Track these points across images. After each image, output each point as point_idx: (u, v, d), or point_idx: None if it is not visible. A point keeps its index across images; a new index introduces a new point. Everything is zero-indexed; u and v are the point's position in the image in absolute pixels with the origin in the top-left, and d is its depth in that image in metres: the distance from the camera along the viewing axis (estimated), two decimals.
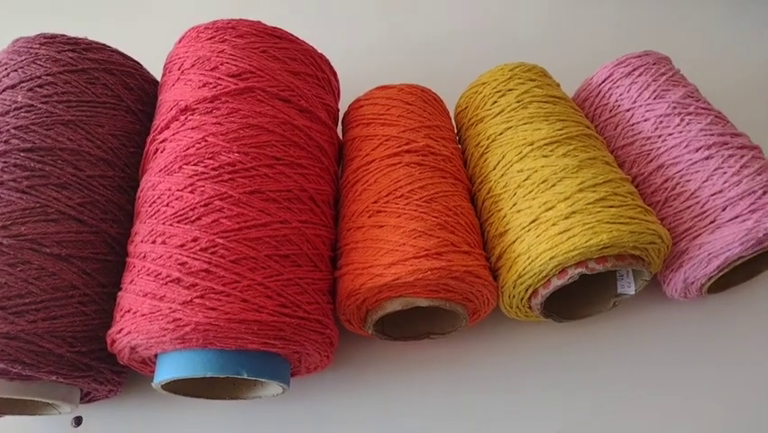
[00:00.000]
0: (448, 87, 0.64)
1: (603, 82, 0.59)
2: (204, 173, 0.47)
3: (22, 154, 0.49)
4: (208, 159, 0.47)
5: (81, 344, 0.46)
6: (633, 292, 0.51)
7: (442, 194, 0.50)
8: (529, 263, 0.47)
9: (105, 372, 0.48)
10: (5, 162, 0.49)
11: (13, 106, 0.52)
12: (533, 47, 0.79)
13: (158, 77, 0.59)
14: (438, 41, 0.82)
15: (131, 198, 0.53)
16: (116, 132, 0.54)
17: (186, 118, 0.50)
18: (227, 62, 0.52)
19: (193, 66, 0.53)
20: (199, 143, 0.48)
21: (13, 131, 0.50)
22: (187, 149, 0.48)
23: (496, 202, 0.52)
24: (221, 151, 0.48)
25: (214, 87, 0.51)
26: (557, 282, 0.47)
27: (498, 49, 0.79)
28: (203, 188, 0.46)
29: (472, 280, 0.47)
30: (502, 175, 0.52)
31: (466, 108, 0.60)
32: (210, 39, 0.54)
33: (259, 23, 0.55)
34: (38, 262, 0.46)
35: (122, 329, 0.43)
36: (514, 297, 0.50)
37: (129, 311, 0.44)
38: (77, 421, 0.54)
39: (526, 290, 0.49)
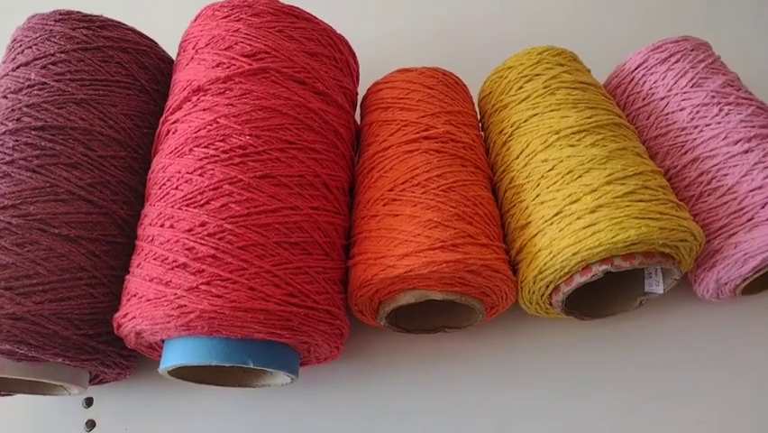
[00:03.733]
0: (472, 71, 0.61)
1: (637, 68, 0.56)
2: (214, 156, 0.45)
3: (33, 133, 0.48)
4: (219, 141, 0.46)
5: (88, 326, 0.45)
6: (661, 292, 0.49)
7: (460, 183, 0.48)
8: (551, 258, 0.44)
9: (113, 355, 0.47)
10: (17, 141, 0.48)
11: (26, 84, 0.51)
12: (562, 30, 0.75)
13: (173, 55, 0.58)
14: (462, 22, 0.79)
15: (143, 180, 0.52)
16: (130, 111, 0.53)
17: (198, 99, 0.49)
18: (242, 42, 0.50)
19: (207, 45, 0.51)
20: (210, 125, 0.47)
21: (25, 109, 0.49)
22: (198, 131, 0.47)
23: (518, 193, 0.50)
24: (232, 133, 0.46)
25: (228, 67, 0.49)
26: (580, 279, 0.45)
27: (525, 31, 0.76)
28: (212, 172, 0.45)
29: (490, 274, 0.45)
30: (525, 164, 0.50)
31: (490, 93, 0.57)
32: (225, 17, 0.52)
33: (275, 1, 0.53)
34: (46, 242, 0.45)
35: (127, 314, 0.43)
36: (534, 293, 0.48)
37: (135, 296, 0.43)
38: (88, 402, 0.54)
39: (547, 286, 0.47)
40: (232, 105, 0.47)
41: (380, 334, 0.54)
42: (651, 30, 0.71)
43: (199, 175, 0.45)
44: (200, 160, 0.45)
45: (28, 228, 0.45)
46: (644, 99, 0.55)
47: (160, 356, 0.48)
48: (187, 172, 0.45)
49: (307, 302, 0.43)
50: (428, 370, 0.53)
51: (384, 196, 0.49)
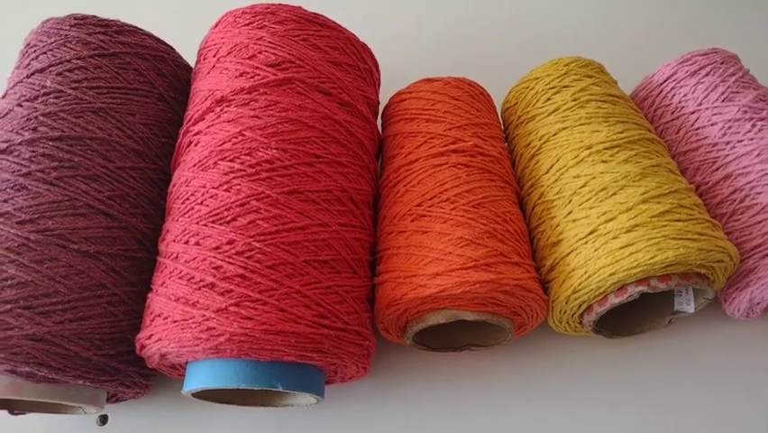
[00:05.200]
0: (492, 79, 0.60)
1: (665, 81, 0.55)
2: (240, 170, 0.44)
3: (50, 143, 0.47)
4: (245, 155, 0.45)
5: (109, 346, 0.44)
6: (692, 311, 0.48)
7: (490, 199, 0.47)
8: (586, 279, 0.43)
9: (133, 375, 0.46)
10: (33, 152, 0.46)
11: (42, 91, 0.49)
12: (586, 40, 0.74)
13: (190, 61, 0.57)
14: (479, 29, 0.77)
15: (162, 192, 0.51)
16: (148, 120, 0.51)
17: (221, 110, 0.47)
18: (266, 50, 0.49)
19: (229, 53, 0.50)
20: (236, 138, 0.45)
21: (41, 118, 0.48)
22: (223, 143, 0.45)
23: (548, 209, 0.48)
24: (258, 146, 0.45)
25: (252, 77, 0.48)
26: (615, 300, 0.44)
27: (547, 40, 0.74)
28: (239, 187, 0.43)
29: (523, 294, 0.44)
30: (556, 180, 0.49)
31: (516, 104, 0.56)
32: (248, 24, 0.50)
33: (299, 8, 0.51)
34: (65, 259, 0.44)
35: (152, 335, 0.41)
36: (565, 312, 0.47)
37: (160, 316, 0.42)
38: (103, 420, 0.52)
39: (580, 306, 0.46)
40: (257, 117, 0.46)
41: (403, 350, 0.53)
42: (676, 41, 0.70)
43: (225, 190, 0.43)
44: (226, 174, 0.44)
45: (47, 244, 0.43)
46: (672, 113, 0.54)
47: (180, 376, 0.47)
48: (213, 187, 0.44)
49: (337, 323, 0.42)
50: (452, 387, 0.52)
51: (412, 211, 0.47)
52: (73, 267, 0.44)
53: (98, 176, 0.47)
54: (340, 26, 0.53)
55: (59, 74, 0.50)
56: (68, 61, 0.50)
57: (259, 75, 0.48)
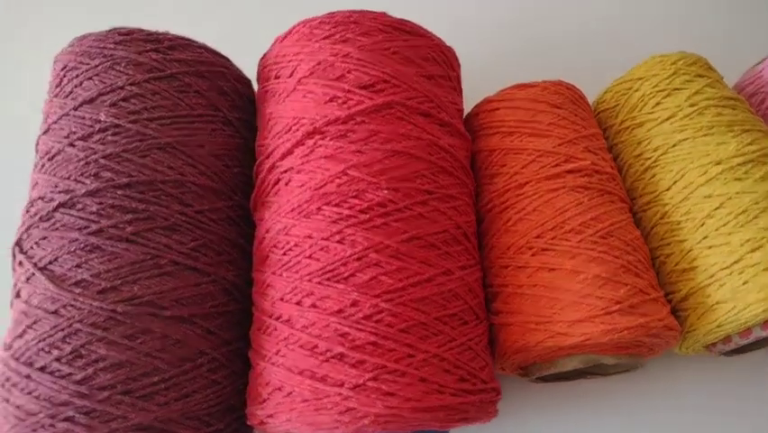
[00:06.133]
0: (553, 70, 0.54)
1: None
2: (351, 216, 0.39)
3: (119, 192, 0.40)
4: (353, 197, 0.39)
5: (217, 420, 0.40)
6: None
7: (617, 225, 0.43)
8: (734, 314, 0.40)
9: None
10: (101, 204, 0.40)
11: (97, 127, 0.42)
12: (664, 27, 0.67)
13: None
14: (546, 18, 0.71)
15: (241, 230, 0.46)
16: (218, 151, 0.45)
17: (315, 143, 0.41)
18: (355, 69, 0.42)
19: (312, 73, 0.43)
20: (339, 178, 0.40)
21: (102, 161, 0.41)
22: (324, 184, 0.40)
23: (674, 230, 0.45)
24: (367, 187, 0.39)
25: (345, 102, 0.42)
26: (761, 333, 0.41)
27: (622, 30, 0.67)
28: (353, 237, 0.38)
29: (666, 333, 0.40)
30: (683, 199, 0.44)
31: (616, 107, 0.51)
32: (327, 37, 0.44)
33: (383, 14, 0.45)
34: (159, 329, 0.38)
35: (275, 414, 0.37)
36: (699, 341, 0.44)
37: (280, 390, 0.37)
38: None
39: (717, 336, 0.43)
40: (360, 151, 0.40)
41: (509, 378, 0.50)
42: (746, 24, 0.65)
43: (338, 242, 0.38)
44: (334, 222, 0.39)
45: (137, 315, 0.38)
46: None
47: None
48: (322, 238, 0.39)
49: (477, 384, 0.38)
50: (561, 413, 0.49)
51: (531, 244, 0.43)
52: (169, 337, 0.39)
53: (178, 225, 0.41)
54: (428, 31, 0.46)
55: (113, 104, 0.43)
56: (121, 88, 0.43)
57: (352, 100, 0.42)
